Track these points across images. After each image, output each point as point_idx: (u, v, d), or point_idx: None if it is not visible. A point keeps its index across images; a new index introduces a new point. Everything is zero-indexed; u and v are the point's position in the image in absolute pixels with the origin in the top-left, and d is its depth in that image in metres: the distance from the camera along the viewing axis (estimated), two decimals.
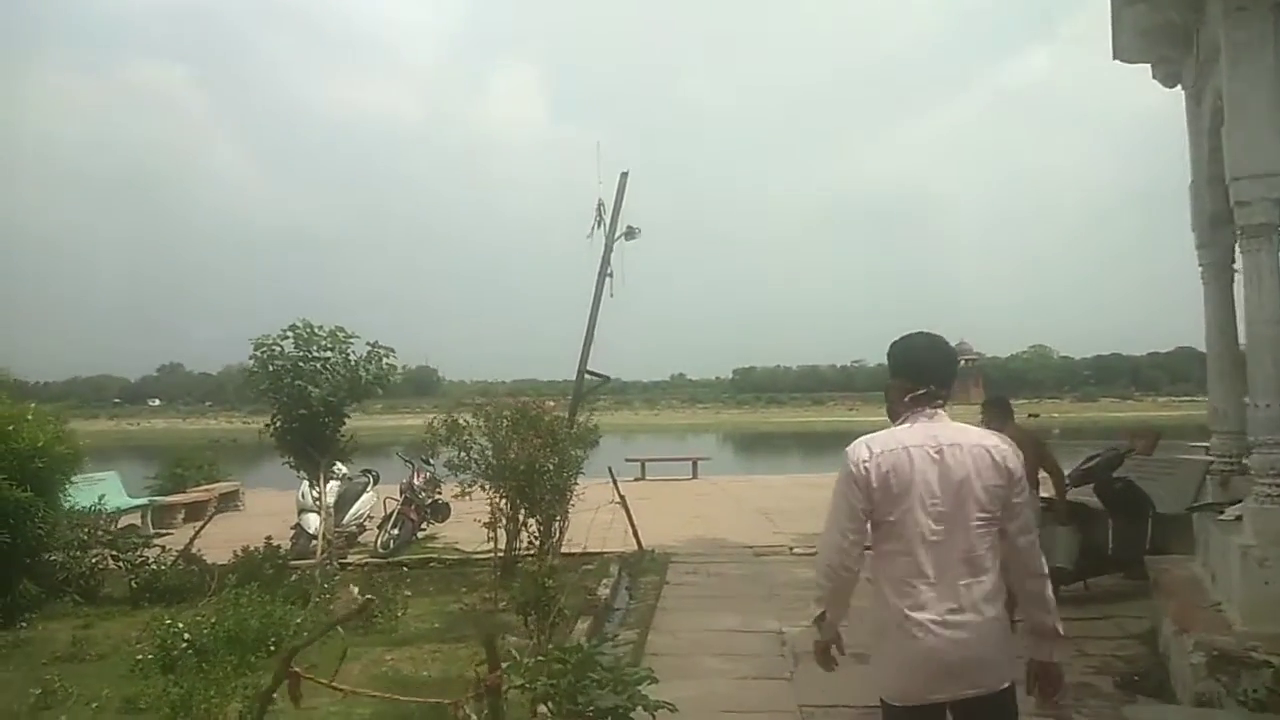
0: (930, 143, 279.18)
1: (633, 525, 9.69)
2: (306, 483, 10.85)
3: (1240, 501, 5.40)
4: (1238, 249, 5.43)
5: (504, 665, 3.71)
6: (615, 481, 9.74)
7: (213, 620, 6.70)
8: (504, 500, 8.27)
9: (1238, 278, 5.68)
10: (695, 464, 20.41)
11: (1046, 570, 2.80)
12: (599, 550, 10.09)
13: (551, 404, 9.55)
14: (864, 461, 2.70)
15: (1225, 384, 6.17)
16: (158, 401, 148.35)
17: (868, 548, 2.82)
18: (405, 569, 9.63)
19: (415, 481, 10.92)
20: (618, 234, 10.18)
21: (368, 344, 9.20)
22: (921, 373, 2.80)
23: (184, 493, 15.48)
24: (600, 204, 10.30)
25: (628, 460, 20.62)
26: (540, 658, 3.85)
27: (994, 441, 2.74)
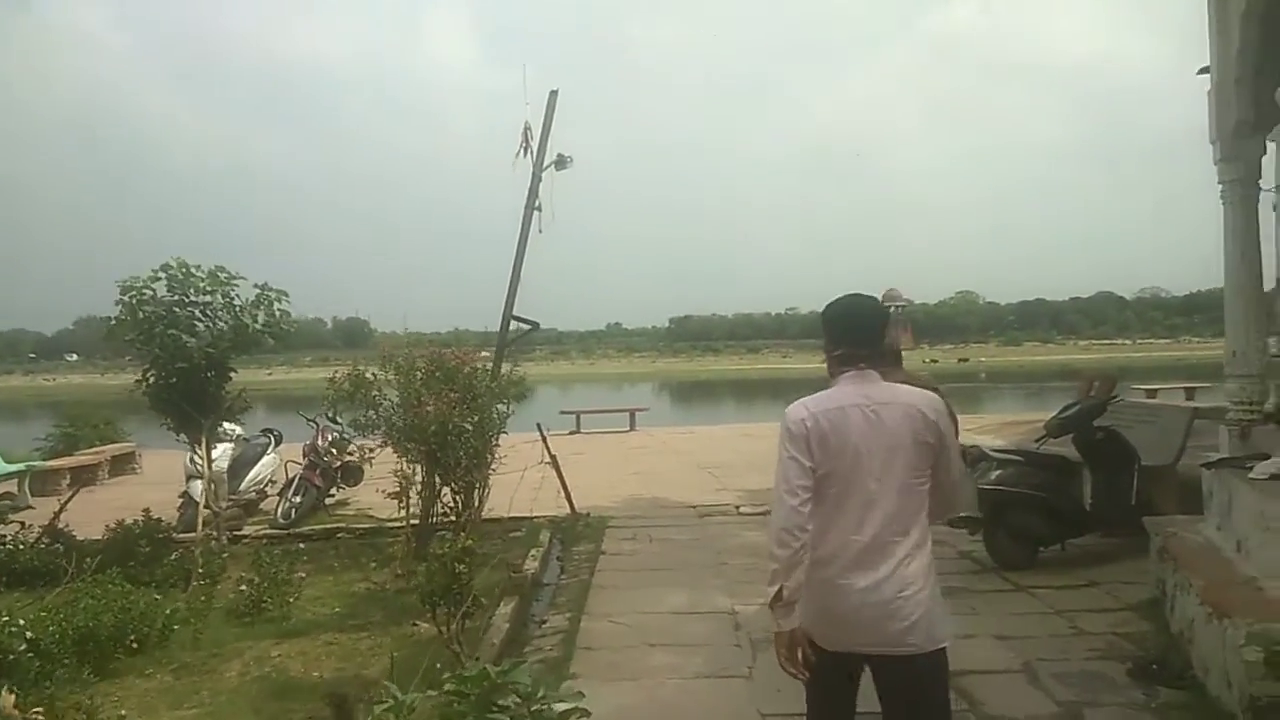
0: (866, 92, 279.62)
1: (564, 486, 8.74)
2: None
3: (1270, 457, 4.65)
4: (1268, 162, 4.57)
5: (381, 709, 2.71)
6: (545, 439, 8.75)
7: (60, 615, 5.57)
8: (415, 465, 7.21)
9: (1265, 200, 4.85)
10: (633, 415, 19.52)
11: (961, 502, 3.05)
12: (528, 515, 9.13)
13: (485, 354, 8.47)
14: (804, 419, 2.71)
15: (1246, 322, 5.37)
16: (75, 356, 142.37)
17: None
18: (305, 542, 8.59)
19: (320, 442, 9.76)
20: (546, 162, 9.06)
21: (255, 286, 7.96)
22: (843, 334, 2.87)
23: (71, 456, 14.03)
24: (527, 127, 9.14)
25: (562, 413, 19.68)
26: (430, 693, 2.86)
27: (925, 400, 2.78)
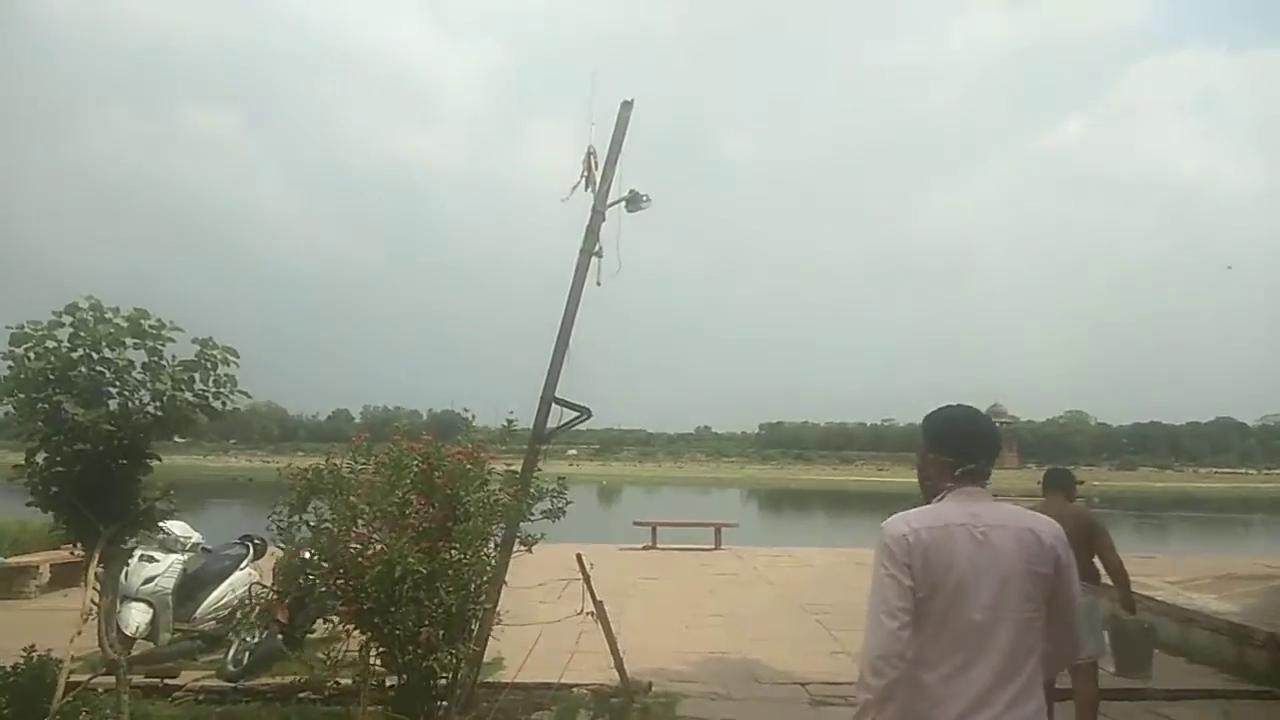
0: (966, 205, 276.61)
1: (615, 650, 6.01)
2: (139, 554, 7.31)
3: None
4: None
5: None
6: (588, 577, 6.04)
7: None
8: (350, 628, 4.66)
9: None
10: (718, 531, 16.60)
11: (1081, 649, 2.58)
12: (559, 683, 6.40)
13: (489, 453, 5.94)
14: (904, 535, 2.40)
15: None
16: (179, 439, 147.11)
17: None
18: (255, 701, 6.07)
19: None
20: (614, 197, 6.72)
21: (195, 341, 5.65)
22: (965, 447, 2.56)
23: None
24: (591, 152, 6.84)
25: (635, 524, 16.91)
26: None
27: (1042, 525, 2.47)
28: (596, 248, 6.53)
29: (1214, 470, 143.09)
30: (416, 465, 5.27)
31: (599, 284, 6.50)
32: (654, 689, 6.48)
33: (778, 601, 10.61)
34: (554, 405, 6.34)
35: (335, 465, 5.47)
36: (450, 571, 4.57)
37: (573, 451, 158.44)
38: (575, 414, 6.34)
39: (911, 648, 2.36)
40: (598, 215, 6.59)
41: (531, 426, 6.31)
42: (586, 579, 5.87)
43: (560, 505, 6.02)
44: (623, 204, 6.88)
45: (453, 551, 4.68)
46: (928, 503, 2.57)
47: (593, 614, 5.80)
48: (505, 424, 6.00)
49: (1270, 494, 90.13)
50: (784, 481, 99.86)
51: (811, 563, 14.61)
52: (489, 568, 5.06)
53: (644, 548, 16.22)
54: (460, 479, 5.13)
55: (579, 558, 5.97)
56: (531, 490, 6.09)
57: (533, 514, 5.90)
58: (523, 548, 5.88)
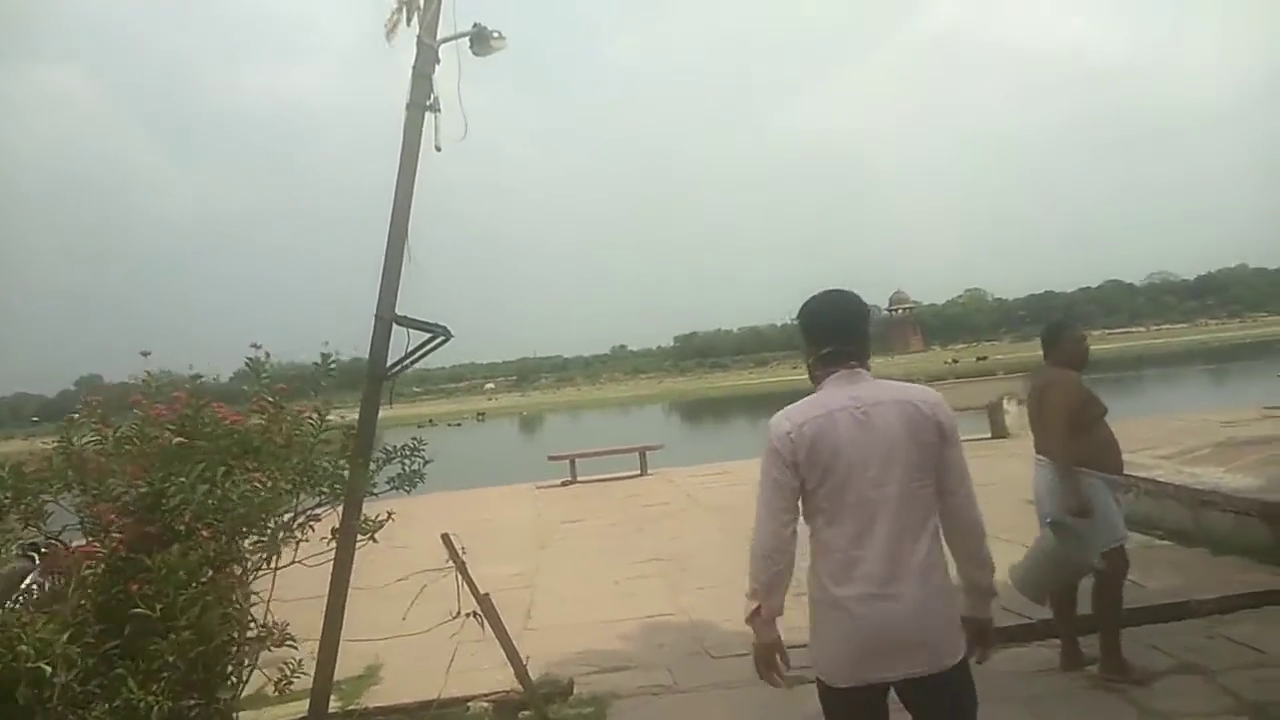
0: (855, 97, 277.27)
1: (511, 652, 4.31)
2: None
3: None
4: None
5: None
6: (463, 568, 4.25)
7: None
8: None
9: None
10: (643, 455, 15.08)
11: (984, 528, 2.53)
12: (445, 696, 4.73)
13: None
14: (787, 433, 2.45)
15: None
16: (78, 417, 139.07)
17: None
18: None
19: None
20: (448, 33, 4.82)
21: None
22: (826, 332, 2.58)
23: None
24: None
25: (551, 459, 15.27)
26: None
27: (922, 395, 2.49)
28: (430, 99, 4.63)
29: (1106, 331, 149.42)
30: (167, 435, 3.46)
31: (438, 149, 4.61)
32: (576, 689, 4.87)
33: (719, 533, 9.13)
34: (397, 326, 4.52)
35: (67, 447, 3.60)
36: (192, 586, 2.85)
37: (490, 385, 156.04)
38: (429, 336, 4.52)
39: (817, 539, 2.46)
40: (427, 51, 4.64)
41: (368, 361, 4.50)
42: (461, 569, 4.13)
43: (416, 467, 4.27)
44: (465, 42, 4.97)
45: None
46: None
47: (475, 615, 4.08)
48: (323, 359, 4.15)
49: (1162, 349, 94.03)
50: (702, 391, 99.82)
51: (745, 479, 13.17)
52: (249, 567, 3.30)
53: (563, 483, 14.63)
54: (238, 446, 3.34)
55: (446, 541, 4.21)
56: (379, 451, 4.34)
57: (374, 485, 4.16)
58: (364, 536, 4.13)
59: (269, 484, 3.38)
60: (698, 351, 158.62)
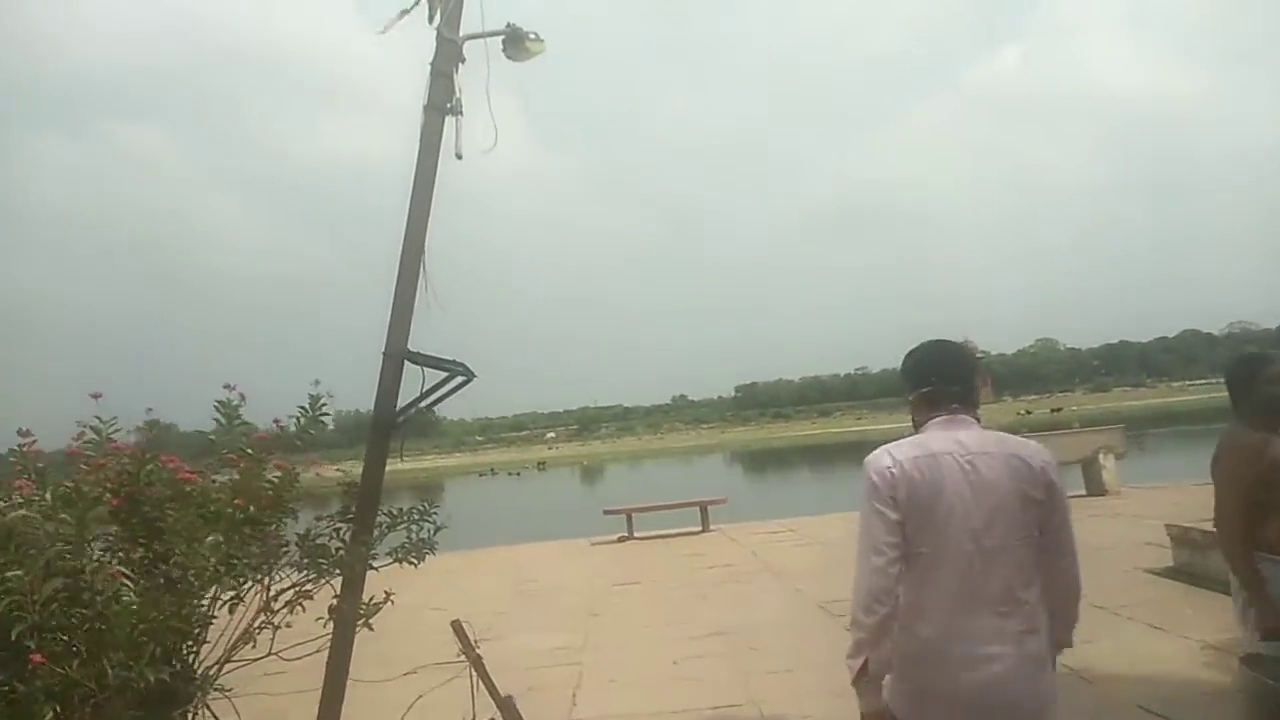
0: (913, 144, 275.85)
1: None
2: None
3: None
4: None
5: None
6: (478, 666, 3.39)
7: None
8: None
9: None
10: (705, 510, 14.12)
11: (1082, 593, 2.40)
12: None
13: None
14: (888, 467, 2.29)
15: None
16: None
17: None
18: None
19: None
20: (474, 30, 4.14)
21: None
22: (930, 372, 2.46)
23: None
24: None
25: (607, 513, 14.39)
26: None
27: (1029, 450, 2.35)
28: (452, 100, 3.93)
29: (1186, 383, 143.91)
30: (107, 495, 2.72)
31: (459, 157, 3.89)
32: None
33: (790, 602, 8.15)
34: (411, 365, 3.77)
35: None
36: None
37: (551, 435, 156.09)
38: (445, 376, 3.76)
39: (906, 587, 2.27)
40: (448, 46, 3.95)
41: (374, 406, 3.74)
42: (476, 664, 3.28)
43: (426, 535, 3.47)
44: (497, 43, 4.27)
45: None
46: None
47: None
48: (307, 408, 3.38)
49: None
50: (764, 441, 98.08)
51: (816, 536, 12.18)
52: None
53: (619, 539, 13.73)
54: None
55: (457, 630, 3.36)
56: (383, 514, 3.56)
57: (375, 556, 3.38)
58: (363, 616, 3.33)
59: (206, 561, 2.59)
60: (759, 402, 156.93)
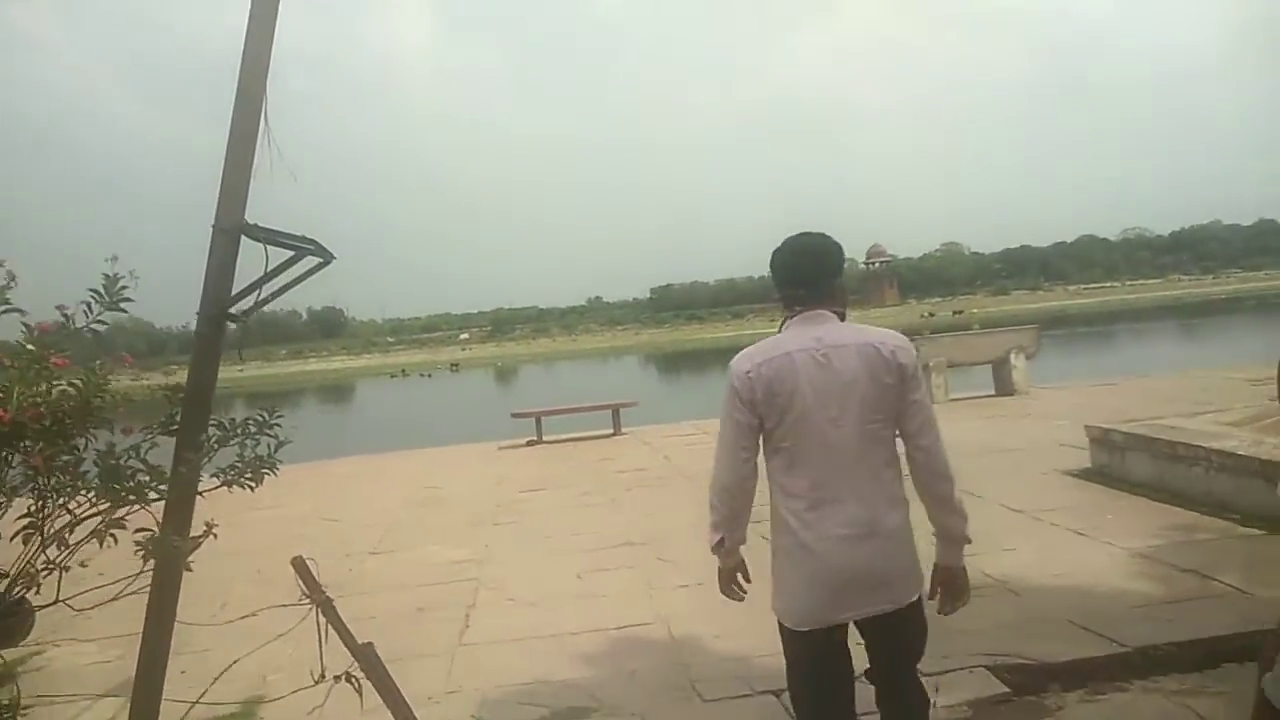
0: (835, 47, 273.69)
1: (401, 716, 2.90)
2: None
3: None
4: None
5: None
6: (313, 583, 2.80)
7: None
8: None
9: None
10: (616, 413, 13.69)
11: (953, 473, 2.48)
12: None
13: None
14: (746, 373, 2.46)
15: None
16: None
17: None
18: None
19: None
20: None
21: None
22: (789, 273, 2.57)
23: None
24: None
25: (514, 415, 13.85)
26: None
27: (885, 338, 2.47)
28: None
29: (1082, 287, 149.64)
30: None
31: None
32: None
33: (702, 508, 7.80)
34: (248, 239, 3.06)
35: None
36: None
37: (465, 336, 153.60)
38: (291, 253, 3.07)
39: (776, 478, 2.48)
40: None
41: (201, 292, 3.04)
42: (326, 609, 2.69)
43: (267, 452, 2.83)
44: None
45: None
46: None
47: (347, 678, 2.67)
48: (102, 292, 2.65)
49: (1138, 304, 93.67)
50: (679, 343, 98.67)
51: None
52: None
53: (528, 443, 13.24)
54: None
55: (299, 569, 2.75)
56: (213, 424, 2.90)
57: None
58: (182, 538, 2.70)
59: None
60: (674, 304, 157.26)
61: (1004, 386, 13.66)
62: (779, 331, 2.56)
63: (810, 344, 2.42)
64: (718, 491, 2.56)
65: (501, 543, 7.14)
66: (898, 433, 2.47)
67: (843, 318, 2.57)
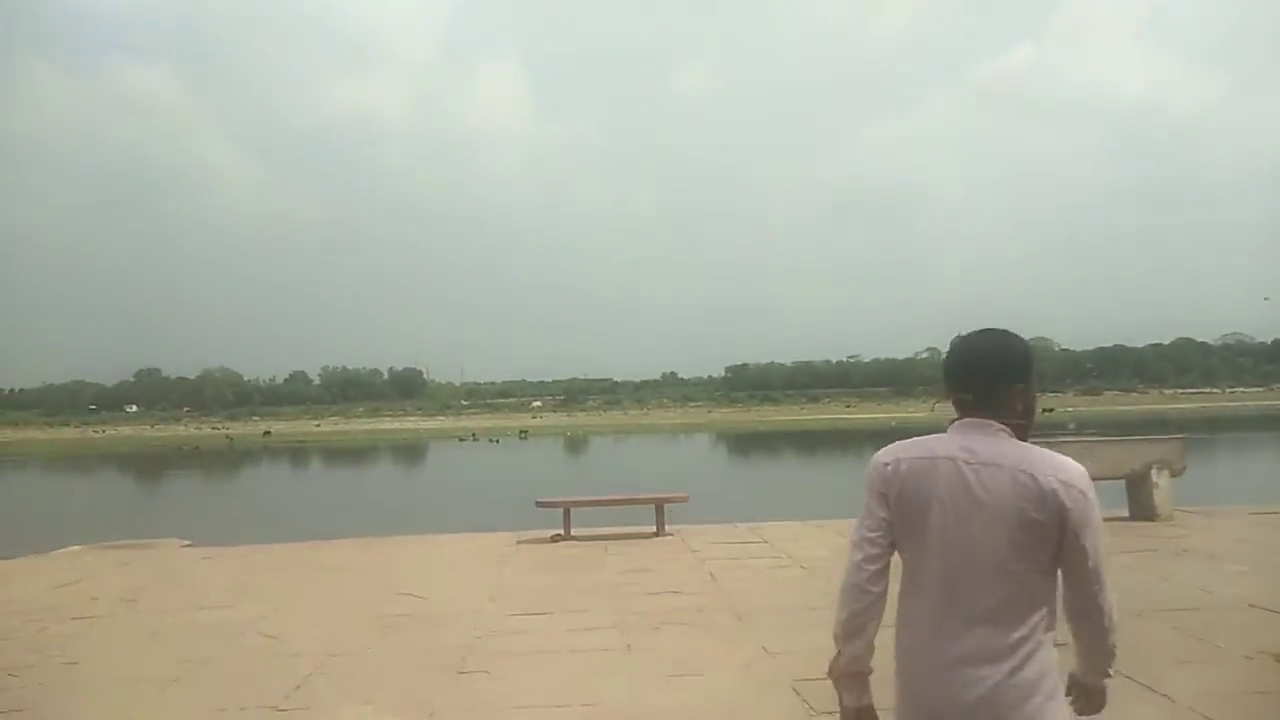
0: (919, 136, 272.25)
1: None
2: None
3: None
4: None
5: None
6: None
7: None
8: None
9: None
10: (661, 508, 11.41)
11: (1115, 618, 2.03)
12: None
13: None
14: (885, 465, 2.13)
15: None
16: (134, 408, 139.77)
17: None
18: None
19: None
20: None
21: None
22: (956, 378, 2.19)
23: None
24: None
25: (540, 505, 11.67)
26: None
27: (1043, 465, 1.96)
28: None
29: (1178, 391, 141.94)
30: None
31: None
32: None
33: (751, 672, 5.47)
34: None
35: None
36: None
37: (537, 404, 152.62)
38: None
39: (903, 591, 2.16)
40: None
41: None
42: None
43: None
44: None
45: None
46: None
47: None
48: None
49: (1241, 412, 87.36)
50: (751, 424, 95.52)
51: (795, 554, 9.52)
52: None
53: (553, 538, 11.06)
54: None
55: None
56: None
57: None
58: None
59: None
60: (749, 384, 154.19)
61: (1142, 510, 11.00)
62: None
63: (961, 453, 2.03)
64: (840, 594, 2.13)
65: (454, 713, 4.96)
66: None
67: (1022, 434, 2.07)
